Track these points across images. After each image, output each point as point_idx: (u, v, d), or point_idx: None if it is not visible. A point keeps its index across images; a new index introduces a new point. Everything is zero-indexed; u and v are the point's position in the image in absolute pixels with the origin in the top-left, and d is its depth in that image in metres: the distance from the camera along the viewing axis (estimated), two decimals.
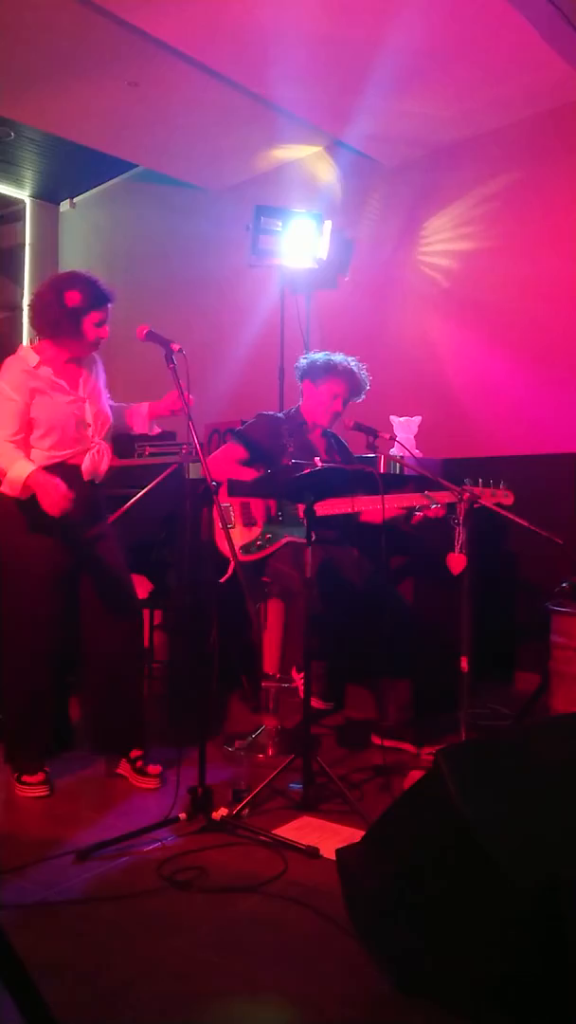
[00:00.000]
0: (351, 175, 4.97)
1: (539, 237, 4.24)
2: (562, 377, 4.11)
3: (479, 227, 4.48)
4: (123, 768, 2.82)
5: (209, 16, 3.56)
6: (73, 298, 2.65)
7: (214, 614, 3.49)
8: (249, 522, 3.13)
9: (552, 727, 2.00)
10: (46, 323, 2.69)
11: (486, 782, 1.54)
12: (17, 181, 6.22)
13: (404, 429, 3.90)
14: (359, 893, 1.69)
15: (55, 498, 2.52)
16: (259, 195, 5.03)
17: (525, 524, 2.76)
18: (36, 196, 6.48)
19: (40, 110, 4.67)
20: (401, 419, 3.94)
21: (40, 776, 2.69)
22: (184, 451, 3.93)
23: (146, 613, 4.14)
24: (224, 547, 2.95)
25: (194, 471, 3.55)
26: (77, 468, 2.73)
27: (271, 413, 3.40)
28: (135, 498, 3.51)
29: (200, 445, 2.47)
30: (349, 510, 3.02)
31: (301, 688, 2.69)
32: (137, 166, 5.77)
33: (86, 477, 2.76)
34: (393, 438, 3.21)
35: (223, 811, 2.36)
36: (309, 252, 4.75)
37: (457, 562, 2.69)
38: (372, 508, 3.02)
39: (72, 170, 6.05)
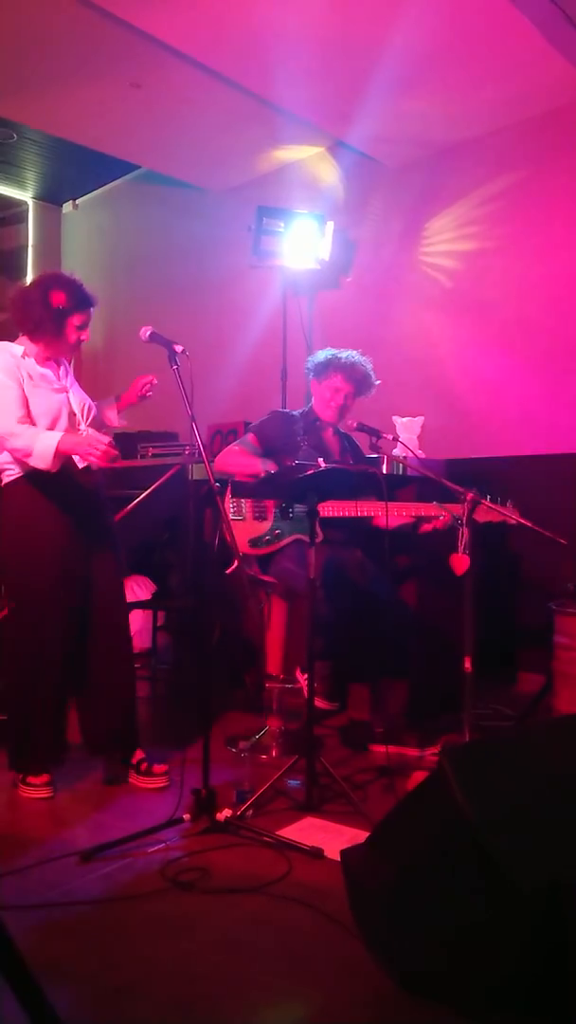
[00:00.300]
0: (353, 176, 4.97)
1: (542, 237, 4.24)
2: (566, 377, 4.10)
3: (482, 227, 4.48)
4: (127, 775, 2.80)
5: (212, 18, 3.56)
6: (58, 298, 2.66)
7: (217, 615, 3.50)
8: (260, 516, 3.14)
9: (556, 728, 2.00)
10: (29, 320, 2.71)
11: (490, 783, 1.53)
12: (20, 183, 6.22)
13: (407, 429, 3.91)
14: (363, 894, 1.69)
15: (96, 448, 2.53)
16: (261, 196, 5.03)
17: (529, 525, 2.76)
18: (39, 197, 6.49)
19: (42, 112, 4.67)
20: (404, 419, 3.94)
21: (44, 778, 2.69)
22: (187, 452, 3.94)
23: (149, 614, 4.16)
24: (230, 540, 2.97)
25: (197, 472, 3.56)
26: (70, 458, 2.74)
27: (285, 411, 3.42)
28: (138, 499, 3.52)
29: (203, 446, 2.48)
30: (356, 514, 3.03)
31: (305, 689, 2.69)
32: (139, 167, 5.77)
33: (81, 464, 2.76)
34: (396, 439, 3.21)
35: (227, 812, 2.36)
36: (311, 253, 4.75)
37: (460, 563, 2.68)
38: (380, 513, 3.03)
39: (74, 171, 6.05)
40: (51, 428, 2.68)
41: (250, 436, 3.25)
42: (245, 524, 3.13)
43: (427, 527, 3.00)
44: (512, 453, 4.17)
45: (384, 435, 3.12)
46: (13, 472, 2.72)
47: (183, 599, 4.11)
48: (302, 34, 3.65)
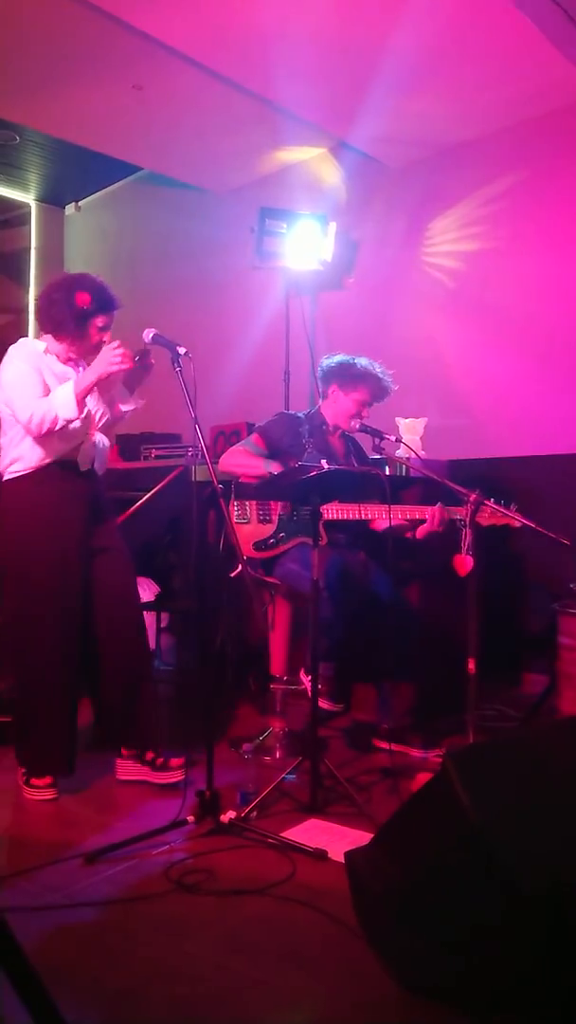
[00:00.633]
0: (355, 176, 4.96)
1: (545, 237, 4.23)
2: (569, 377, 4.10)
3: (484, 227, 4.48)
4: (142, 773, 2.79)
5: (214, 19, 3.56)
6: (83, 299, 2.68)
7: (221, 617, 3.50)
8: (265, 519, 3.14)
9: (560, 729, 1.99)
10: (52, 320, 2.74)
11: (494, 785, 1.53)
12: (22, 185, 6.23)
13: (410, 430, 3.90)
14: (367, 896, 1.69)
15: (113, 358, 2.55)
16: (263, 197, 5.03)
17: (532, 525, 2.75)
18: (41, 200, 6.49)
19: (45, 114, 4.68)
20: (407, 420, 3.93)
21: (48, 779, 2.69)
22: (190, 454, 3.94)
23: (153, 616, 4.16)
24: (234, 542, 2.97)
25: (200, 474, 3.56)
26: (75, 461, 2.75)
27: (290, 412, 3.42)
28: (141, 501, 3.53)
29: (206, 447, 2.48)
30: (359, 517, 3.03)
31: (309, 690, 2.69)
32: (142, 169, 5.77)
33: (83, 467, 2.77)
34: (399, 439, 3.21)
35: (231, 814, 2.36)
36: (314, 254, 4.75)
37: (464, 564, 2.68)
38: (380, 516, 3.02)
39: (77, 173, 6.06)
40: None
41: (255, 437, 3.25)
42: (249, 527, 3.13)
43: (423, 531, 2.99)
44: (516, 453, 4.17)
45: (387, 436, 3.13)
46: (16, 471, 2.73)
47: (187, 601, 4.11)
48: (304, 35, 3.65)
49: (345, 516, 3.02)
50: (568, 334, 4.11)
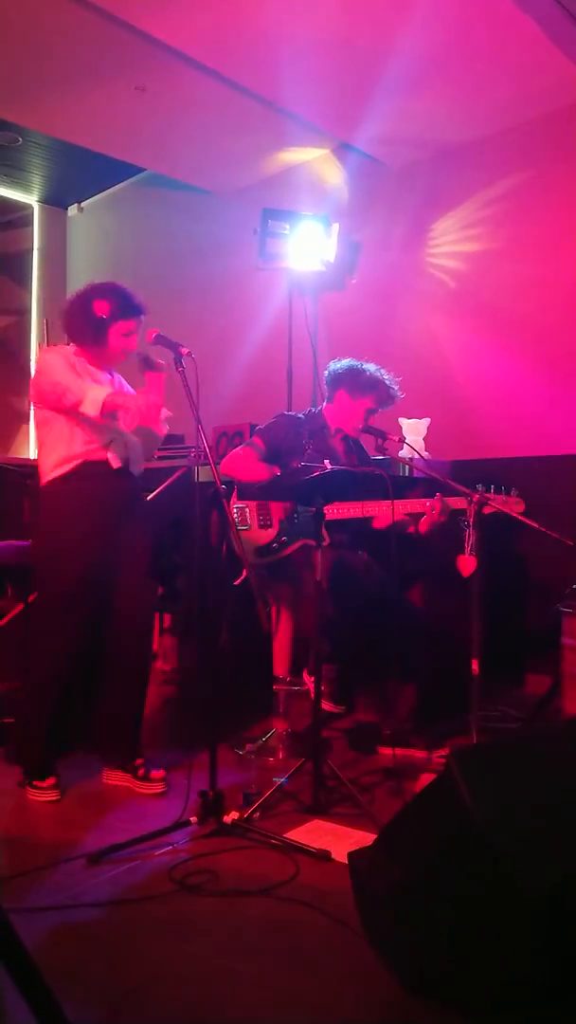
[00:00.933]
0: (358, 177, 4.97)
1: (548, 238, 4.23)
2: (572, 378, 4.09)
3: (487, 228, 4.47)
4: (124, 779, 2.80)
5: (217, 20, 3.56)
6: (101, 308, 2.69)
7: (224, 617, 3.50)
8: (265, 524, 3.13)
9: (564, 730, 1.99)
10: (70, 331, 2.78)
11: (498, 785, 1.53)
12: (25, 186, 6.24)
13: (413, 431, 3.90)
14: (370, 896, 1.69)
15: (139, 407, 2.66)
16: (266, 198, 5.03)
17: (535, 526, 2.75)
18: (44, 201, 6.50)
19: (48, 115, 4.69)
20: (410, 421, 3.93)
21: (51, 780, 2.70)
22: (193, 454, 3.94)
23: (156, 617, 4.16)
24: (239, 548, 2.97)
25: (203, 474, 3.56)
26: (105, 462, 2.75)
27: (291, 413, 3.41)
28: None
29: (209, 448, 2.48)
30: (360, 514, 3.02)
31: (312, 691, 2.69)
32: (145, 170, 5.78)
33: (115, 465, 2.76)
34: (402, 440, 3.21)
35: (234, 815, 2.36)
36: (316, 255, 4.75)
37: (467, 564, 2.68)
38: (382, 513, 3.02)
39: (80, 175, 6.06)
40: (81, 424, 2.71)
41: (256, 439, 3.25)
42: (250, 533, 3.11)
43: (425, 524, 2.98)
44: (518, 454, 4.16)
45: (390, 436, 3.12)
46: (54, 475, 2.72)
47: (189, 602, 4.11)
48: (306, 37, 3.65)
49: (346, 515, 3.01)
50: (572, 335, 4.11)
